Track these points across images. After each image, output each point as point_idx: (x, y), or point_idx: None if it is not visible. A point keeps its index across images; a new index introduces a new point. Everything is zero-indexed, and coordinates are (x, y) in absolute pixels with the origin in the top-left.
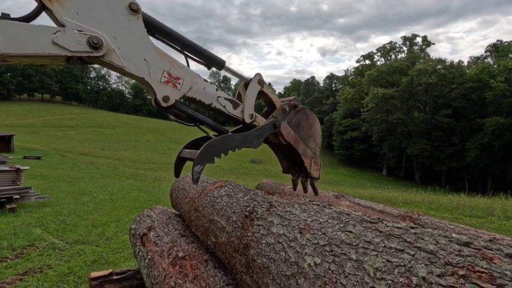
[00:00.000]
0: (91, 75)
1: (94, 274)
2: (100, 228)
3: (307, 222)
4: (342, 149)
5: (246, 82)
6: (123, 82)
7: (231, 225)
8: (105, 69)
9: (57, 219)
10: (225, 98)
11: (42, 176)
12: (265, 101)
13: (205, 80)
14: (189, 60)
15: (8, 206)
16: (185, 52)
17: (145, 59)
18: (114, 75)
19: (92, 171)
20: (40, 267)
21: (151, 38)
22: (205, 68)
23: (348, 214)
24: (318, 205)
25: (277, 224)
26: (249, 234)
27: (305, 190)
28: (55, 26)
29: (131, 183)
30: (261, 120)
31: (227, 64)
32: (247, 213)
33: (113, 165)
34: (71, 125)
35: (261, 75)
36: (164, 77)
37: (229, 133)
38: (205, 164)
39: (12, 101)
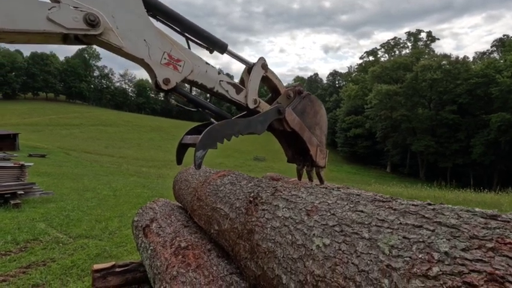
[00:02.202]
0: (95, 74)
1: (96, 266)
2: (104, 223)
3: (315, 204)
4: (346, 146)
5: (249, 67)
6: (126, 80)
7: (235, 211)
8: (108, 67)
9: (61, 214)
10: (228, 82)
11: (47, 173)
12: (269, 87)
13: (206, 63)
14: (191, 45)
15: (12, 202)
16: (187, 34)
17: (144, 40)
18: (117, 73)
19: (96, 169)
20: (43, 261)
21: (151, 19)
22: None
23: (358, 195)
24: (326, 188)
25: (283, 208)
26: (253, 220)
27: (310, 179)
28: (50, 2)
29: (135, 180)
30: (265, 106)
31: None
32: (251, 199)
33: (116, 163)
34: (75, 124)
35: (264, 60)
36: (165, 58)
37: (232, 118)
38: (208, 149)
39: (17, 100)
